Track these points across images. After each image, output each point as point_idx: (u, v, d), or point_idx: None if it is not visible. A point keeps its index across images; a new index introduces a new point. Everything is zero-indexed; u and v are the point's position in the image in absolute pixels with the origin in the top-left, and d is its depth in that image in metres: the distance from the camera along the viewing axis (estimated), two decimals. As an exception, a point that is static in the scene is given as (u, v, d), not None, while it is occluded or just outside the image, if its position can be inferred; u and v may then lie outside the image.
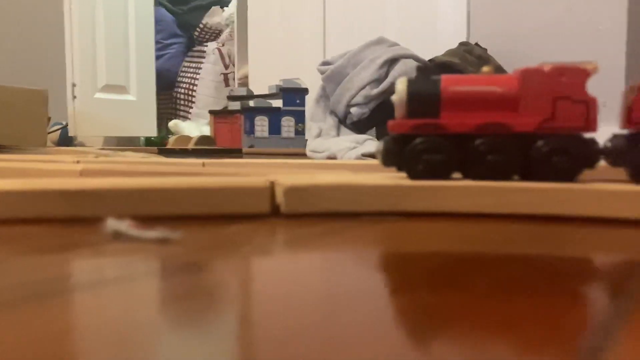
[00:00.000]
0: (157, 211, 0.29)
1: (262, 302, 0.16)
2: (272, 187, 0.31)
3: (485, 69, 0.35)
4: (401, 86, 0.34)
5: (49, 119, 1.68)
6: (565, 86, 0.32)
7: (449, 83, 0.34)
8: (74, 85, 1.91)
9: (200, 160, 0.60)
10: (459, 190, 0.31)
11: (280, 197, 0.31)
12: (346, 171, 0.46)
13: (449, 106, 0.33)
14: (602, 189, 0.29)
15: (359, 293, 0.17)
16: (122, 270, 0.20)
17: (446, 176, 0.33)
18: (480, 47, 1.46)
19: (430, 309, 0.15)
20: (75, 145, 1.88)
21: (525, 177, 0.33)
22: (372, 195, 0.31)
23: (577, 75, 0.32)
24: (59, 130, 1.93)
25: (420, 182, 0.31)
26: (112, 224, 0.25)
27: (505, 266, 0.20)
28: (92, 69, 1.96)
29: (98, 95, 1.99)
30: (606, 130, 0.34)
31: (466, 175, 0.33)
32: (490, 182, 0.31)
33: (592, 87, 0.32)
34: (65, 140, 1.93)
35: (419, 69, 0.34)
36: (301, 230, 0.27)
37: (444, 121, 0.33)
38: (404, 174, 0.34)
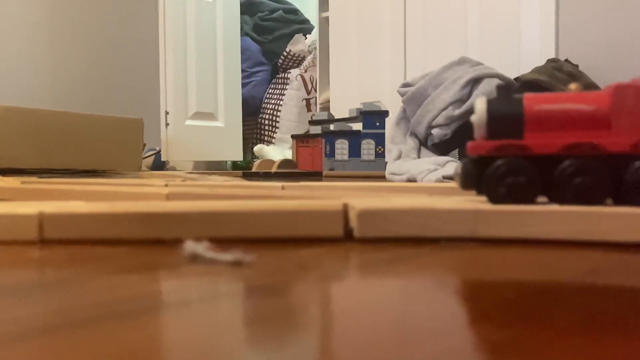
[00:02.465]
0: (234, 234, 0.30)
1: (335, 329, 0.15)
2: (345, 211, 0.31)
3: (572, 86, 0.33)
4: (481, 106, 0.33)
5: (144, 145, 1.79)
6: (665, 102, 0.29)
7: (532, 102, 0.32)
8: (167, 113, 2.04)
9: (280, 184, 0.62)
10: (544, 215, 0.29)
11: (353, 221, 0.31)
12: (423, 194, 0.45)
13: (533, 126, 0.31)
14: None
15: (431, 324, 0.16)
16: (195, 292, 0.20)
17: (530, 200, 0.31)
18: (571, 63, 1.38)
19: (503, 346, 0.14)
20: (167, 170, 1.99)
21: (618, 201, 0.30)
22: (449, 220, 0.29)
23: (678, 89, 0.29)
24: (153, 156, 2.05)
25: (501, 207, 0.30)
26: (190, 246, 0.26)
27: (591, 299, 0.19)
28: (184, 98, 2.08)
29: (189, 122, 2.10)
30: None
31: (552, 200, 0.31)
32: (578, 207, 0.29)
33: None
34: (158, 165, 2.05)
35: (499, 87, 0.33)
36: (374, 255, 0.26)
37: (527, 142, 0.31)
38: (483, 198, 0.32)
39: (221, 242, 0.28)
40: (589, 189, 0.30)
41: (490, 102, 0.32)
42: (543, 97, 0.32)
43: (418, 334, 0.15)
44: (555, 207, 0.29)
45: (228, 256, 0.24)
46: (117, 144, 1.61)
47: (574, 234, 0.29)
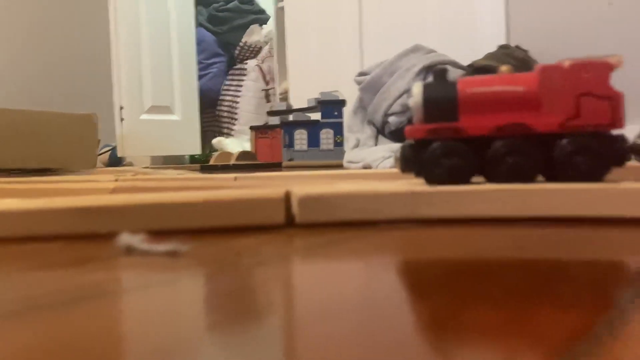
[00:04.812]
0: (173, 225, 0.29)
1: (255, 314, 0.16)
2: (287, 198, 0.31)
3: (503, 68, 0.34)
4: (417, 90, 0.33)
5: (99, 141, 1.75)
6: (588, 82, 0.30)
7: (466, 85, 0.33)
8: (121, 107, 1.99)
9: (233, 175, 0.61)
10: (478, 194, 0.30)
11: (295, 208, 0.31)
12: (370, 180, 0.45)
13: (467, 109, 0.32)
14: (628, 188, 0.28)
15: (350, 299, 0.16)
16: (123, 283, 0.20)
17: (465, 180, 0.32)
18: (522, 49, 1.42)
19: (418, 314, 0.14)
20: (124, 165, 1.95)
21: (549, 178, 0.31)
22: (387, 203, 0.30)
23: (600, 70, 0.30)
24: (109, 152, 2.00)
25: (437, 188, 0.31)
26: (126, 238, 0.26)
27: (510, 272, 0.19)
28: (138, 91, 2.03)
29: (144, 116, 2.06)
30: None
31: (487, 179, 0.32)
32: (511, 185, 0.30)
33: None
34: (115, 161, 2.00)
35: (435, 72, 0.34)
36: (310, 240, 0.27)
37: (462, 124, 0.32)
38: (422, 180, 0.33)
39: (162, 235, 0.27)
40: (520, 168, 0.31)
41: (425, 87, 0.33)
42: (476, 80, 0.33)
43: (336, 309, 0.15)
44: (489, 186, 0.30)
45: (163, 247, 0.24)
46: (70, 141, 1.57)
47: (507, 211, 0.30)
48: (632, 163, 0.31)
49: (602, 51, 1.36)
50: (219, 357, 0.12)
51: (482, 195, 0.30)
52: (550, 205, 0.29)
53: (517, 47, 1.43)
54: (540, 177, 0.32)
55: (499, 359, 0.11)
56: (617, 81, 0.31)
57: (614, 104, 0.30)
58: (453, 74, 1.21)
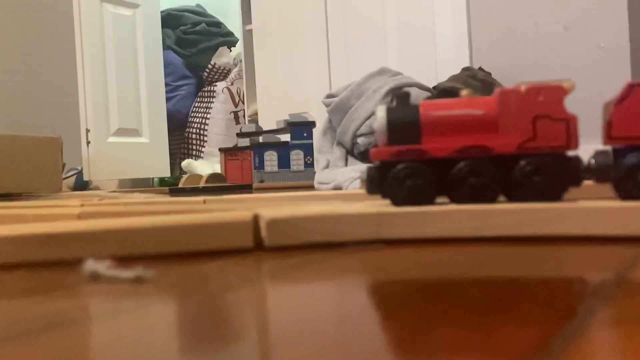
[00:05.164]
0: (141, 250, 0.29)
1: (237, 337, 0.16)
2: (256, 221, 0.32)
3: (464, 92, 0.35)
4: (381, 114, 0.34)
5: (64, 165, 1.71)
6: (544, 105, 0.32)
7: (428, 108, 0.34)
8: (87, 130, 1.96)
9: (201, 198, 0.61)
10: (441, 215, 0.30)
11: (263, 231, 0.31)
12: (338, 201, 0.46)
13: (429, 131, 0.33)
14: (584, 207, 0.29)
15: (329, 322, 0.17)
16: (91, 310, 0.20)
17: (429, 201, 0.32)
18: (484, 70, 1.46)
19: (385, 333, 0.15)
20: (91, 189, 1.91)
21: (510, 198, 0.32)
22: (354, 224, 0.30)
23: (555, 93, 0.32)
24: (75, 176, 1.96)
25: (402, 209, 0.31)
26: (91, 265, 0.25)
27: (474, 290, 0.20)
28: (105, 114, 2.01)
29: (111, 139, 2.03)
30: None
31: (450, 199, 0.33)
32: (471, 205, 0.31)
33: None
34: (81, 184, 1.96)
35: (397, 96, 0.34)
36: (278, 263, 0.27)
37: (425, 146, 0.33)
38: (388, 202, 0.33)
39: (129, 260, 0.27)
40: (482, 188, 0.32)
41: (389, 110, 0.34)
42: (438, 103, 0.34)
43: (308, 330, 0.15)
44: (451, 207, 0.31)
45: (129, 273, 0.24)
46: (34, 164, 1.53)
47: (469, 231, 0.30)
48: (588, 182, 0.32)
49: (562, 72, 1.41)
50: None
51: (445, 215, 0.31)
52: (511, 224, 0.30)
53: (480, 69, 1.47)
54: (502, 197, 0.33)
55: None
56: (571, 104, 0.32)
57: (568, 126, 0.31)
58: (419, 95, 1.23)
